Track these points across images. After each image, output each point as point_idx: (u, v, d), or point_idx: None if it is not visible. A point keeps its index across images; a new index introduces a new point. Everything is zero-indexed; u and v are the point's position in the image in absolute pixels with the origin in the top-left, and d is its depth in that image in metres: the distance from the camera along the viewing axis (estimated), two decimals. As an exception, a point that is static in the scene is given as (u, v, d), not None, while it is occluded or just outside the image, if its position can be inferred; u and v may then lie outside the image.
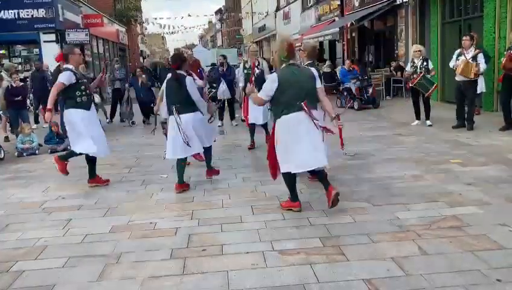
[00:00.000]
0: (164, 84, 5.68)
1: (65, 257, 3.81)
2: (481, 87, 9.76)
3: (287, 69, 4.48)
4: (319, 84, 4.65)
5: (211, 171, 6.10)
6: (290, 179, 4.65)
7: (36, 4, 18.91)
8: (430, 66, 9.23)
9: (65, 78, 5.64)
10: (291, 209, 4.64)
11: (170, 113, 5.57)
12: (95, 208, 5.17)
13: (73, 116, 5.77)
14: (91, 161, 6.07)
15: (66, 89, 5.70)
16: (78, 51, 6.10)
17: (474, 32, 10.03)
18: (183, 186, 5.67)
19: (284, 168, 4.58)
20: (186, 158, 5.78)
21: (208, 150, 5.97)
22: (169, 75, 5.65)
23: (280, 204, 4.82)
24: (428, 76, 9.08)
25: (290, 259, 3.56)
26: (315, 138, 4.48)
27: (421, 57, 9.20)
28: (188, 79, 5.57)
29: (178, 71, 5.58)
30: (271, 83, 4.47)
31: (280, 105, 4.48)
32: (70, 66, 5.77)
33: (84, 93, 5.80)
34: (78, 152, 5.88)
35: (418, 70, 9.11)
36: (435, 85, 9.16)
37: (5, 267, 3.68)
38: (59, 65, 11.23)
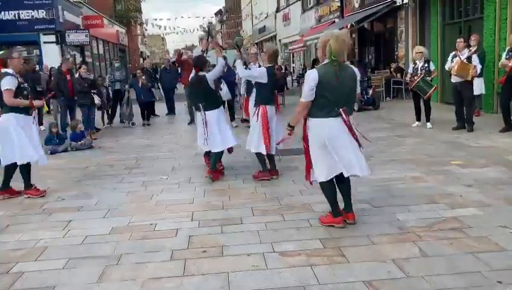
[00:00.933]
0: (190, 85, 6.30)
1: (65, 258, 3.81)
2: (480, 88, 9.78)
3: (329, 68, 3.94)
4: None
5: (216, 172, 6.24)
6: (329, 186, 4.19)
7: (36, 5, 18.93)
8: (432, 67, 9.24)
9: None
10: (332, 226, 4.18)
11: (198, 109, 6.15)
12: (95, 209, 5.17)
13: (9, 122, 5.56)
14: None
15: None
16: (18, 54, 5.80)
17: (475, 34, 10.05)
18: (215, 172, 6.16)
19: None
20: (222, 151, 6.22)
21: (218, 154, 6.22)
22: (192, 77, 6.20)
23: (319, 218, 4.36)
24: (428, 78, 9.09)
25: (290, 260, 3.56)
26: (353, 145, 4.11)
27: (422, 59, 9.21)
28: (207, 76, 5.98)
29: (200, 73, 6.03)
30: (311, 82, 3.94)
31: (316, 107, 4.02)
32: (10, 71, 5.57)
33: (26, 98, 5.66)
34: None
35: (419, 71, 9.11)
36: (433, 88, 9.16)
37: (5, 269, 3.68)
38: (60, 66, 11.28)
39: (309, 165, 4.29)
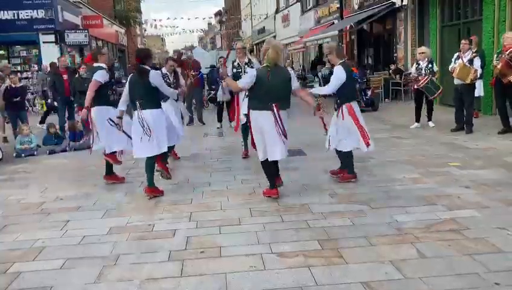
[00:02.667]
0: (128, 79, 5.66)
1: (63, 259, 3.81)
2: (479, 91, 9.79)
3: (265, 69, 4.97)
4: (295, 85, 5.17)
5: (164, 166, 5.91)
6: (268, 167, 5.16)
7: (35, 5, 18.91)
8: (435, 68, 9.30)
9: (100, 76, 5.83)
10: (270, 197, 5.08)
11: (134, 108, 5.42)
12: (94, 209, 5.16)
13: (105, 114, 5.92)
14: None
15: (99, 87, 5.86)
16: (106, 50, 6.34)
17: (474, 36, 10.07)
18: (154, 191, 5.47)
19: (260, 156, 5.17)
20: (155, 157, 5.51)
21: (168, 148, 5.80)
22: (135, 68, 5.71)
23: (262, 192, 5.24)
24: (434, 79, 9.15)
25: (288, 262, 3.56)
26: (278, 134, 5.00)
27: (426, 59, 9.24)
28: (153, 72, 5.44)
29: (142, 66, 5.44)
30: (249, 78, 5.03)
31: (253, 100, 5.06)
32: (103, 65, 5.99)
33: (115, 91, 6.09)
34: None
35: (423, 72, 9.15)
36: (440, 89, 9.21)
37: (2, 269, 3.67)
38: (57, 67, 11.26)
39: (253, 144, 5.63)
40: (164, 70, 7.23)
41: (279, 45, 5.18)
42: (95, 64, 6.06)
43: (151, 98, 5.42)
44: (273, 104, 4.88)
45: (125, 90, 5.56)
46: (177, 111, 7.07)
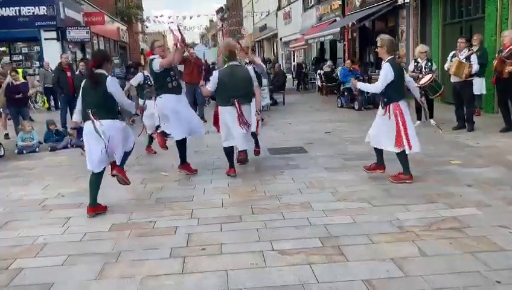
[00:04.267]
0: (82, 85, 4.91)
1: (64, 255, 3.81)
2: (481, 88, 9.77)
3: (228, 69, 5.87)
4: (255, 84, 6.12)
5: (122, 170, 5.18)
6: (228, 150, 6.13)
7: (37, 2, 18.91)
8: (434, 66, 9.29)
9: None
10: (229, 175, 5.98)
11: (85, 118, 4.76)
12: (95, 206, 5.15)
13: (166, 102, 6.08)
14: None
15: (157, 76, 6.09)
16: (159, 44, 6.38)
17: (477, 34, 10.06)
18: (96, 209, 4.86)
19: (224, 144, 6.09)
20: (102, 173, 5.00)
21: (126, 154, 5.25)
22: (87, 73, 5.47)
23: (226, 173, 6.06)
24: (437, 78, 9.19)
25: (289, 259, 3.56)
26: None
27: (425, 58, 9.24)
28: (110, 79, 4.78)
29: (97, 70, 4.78)
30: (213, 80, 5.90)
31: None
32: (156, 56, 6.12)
33: (174, 78, 6.14)
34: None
35: (423, 70, 9.14)
36: (442, 88, 9.19)
37: (4, 265, 3.68)
38: (60, 63, 11.28)
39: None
40: (146, 72, 7.44)
41: (230, 42, 6.08)
42: (151, 57, 6.22)
43: (107, 107, 4.74)
44: (235, 100, 5.72)
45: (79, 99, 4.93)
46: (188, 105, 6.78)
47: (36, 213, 5.01)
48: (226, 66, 5.88)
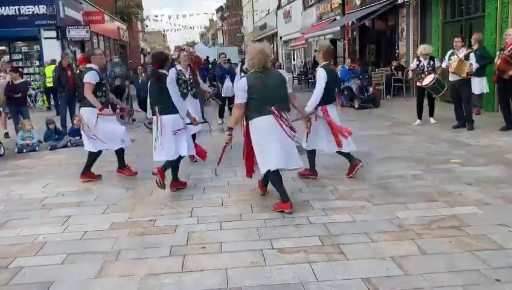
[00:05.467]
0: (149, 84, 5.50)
1: (64, 254, 3.82)
2: (481, 88, 9.77)
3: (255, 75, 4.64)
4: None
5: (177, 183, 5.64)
6: (275, 176, 4.71)
7: (37, 1, 18.87)
8: (437, 63, 9.31)
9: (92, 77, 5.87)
10: (283, 211, 4.54)
11: (153, 113, 5.35)
12: (95, 204, 5.17)
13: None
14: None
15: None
16: (100, 52, 6.34)
17: (475, 33, 10.07)
18: (177, 184, 5.61)
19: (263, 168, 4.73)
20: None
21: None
22: (151, 73, 5.64)
23: (273, 205, 4.72)
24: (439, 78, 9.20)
25: (289, 257, 3.56)
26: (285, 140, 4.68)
27: (427, 57, 9.26)
28: (169, 77, 5.34)
29: (160, 70, 5.35)
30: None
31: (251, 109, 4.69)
32: (94, 66, 6.00)
33: (104, 93, 6.04)
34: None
35: (425, 69, 9.15)
36: (446, 88, 9.21)
37: (4, 264, 3.68)
38: (60, 62, 11.27)
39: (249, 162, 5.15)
40: (179, 66, 6.97)
41: (265, 49, 4.72)
42: (87, 66, 6.05)
43: (170, 103, 5.29)
44: (273, 107, 4.56)
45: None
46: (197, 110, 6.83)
47: (36, 212, 5.01)
48: (253, 70, 4.68)
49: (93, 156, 6.22)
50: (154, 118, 5.34)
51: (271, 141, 4.58)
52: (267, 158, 4.60)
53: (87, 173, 6.23)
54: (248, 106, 4.66)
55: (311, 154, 5.78)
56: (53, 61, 15.03)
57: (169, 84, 5.28)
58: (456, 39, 8.91)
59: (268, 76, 4.62)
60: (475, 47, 9.72)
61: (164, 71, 5.40)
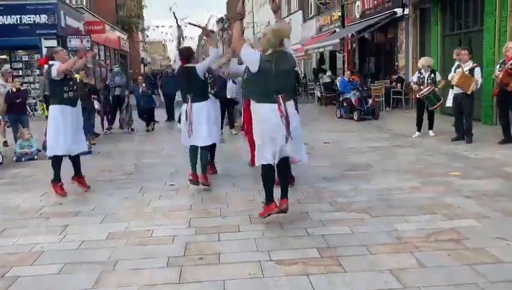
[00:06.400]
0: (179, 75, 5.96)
1: (61, 263, 3.79)
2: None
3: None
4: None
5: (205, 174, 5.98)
6: (268, 172, 4.48)
7: (38, 10, 18.99)
8: (438, 77, 9.36)
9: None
10: (270, 214, 4.45)
11: (185, 101, 5.85)
12: (93, 214, 5.15)
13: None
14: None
15: (53, 84, 5.84)
16: (60, 48, 6.27)
17: (460, 48, 10.28)
18: (194, 176, 5.90)
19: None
20: (197, 147, 5.93)
21: (206, 149, 6.01)
22: (178, 69, 5.95)
23: (259, 214, 4.63)
24: (437, 89, 9.25)
25: (287, 269, 3.54)
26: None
27: (428, 69, 9.32)
28: (197, 67, 5.78)
29: (187, 65, 5.81)
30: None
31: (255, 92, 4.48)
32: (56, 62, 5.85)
33: (71, 89, 5.90)
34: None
35: (426, 81, 9.21)
36: (441, 101, 9.27)
37: (0, 273, 3.65)
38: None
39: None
40: None
41: (281, 28, 4.34)
42: (50, 62, 5.92)
43: (201, 92, 5.86)
44: (279, 96, 4.22)
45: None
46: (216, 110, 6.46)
47: (33, 221, 4.99)
48: (269, 52, 4.27)
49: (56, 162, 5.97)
50: (185, 105, 5.85)
51: (270, 134, 4.32)
52: (263, 152, 4.42)
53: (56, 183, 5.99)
54: (253, 87, 4.53)
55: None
56: None
57: (199, 68, 5.74)
58: (462, 52, 8.87)
59: (280, 60, 4.24)
60: (457, 62, 9.92)
61: (190, 64, 5.81)
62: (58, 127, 5.78)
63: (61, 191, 5.92)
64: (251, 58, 4.32)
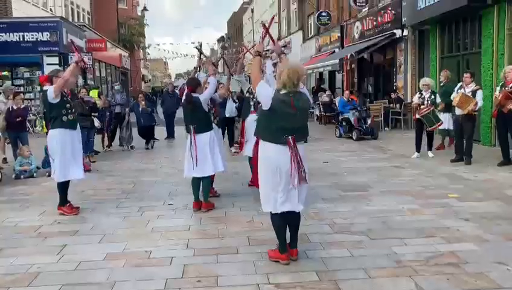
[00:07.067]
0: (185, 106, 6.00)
1: (58, 285, 3.76)
2: (445, 123, 9.81)
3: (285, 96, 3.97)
4: None
5: (207, 203, 6.01)
6: (278, 220, 4.12)
7: (41, 27, 19.16)
8: (438, 99, 9.41)
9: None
10: (278, 261, 4.11)
11: (188, 131, 5.94)
12: (91, 233, 5.13)
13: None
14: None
15: (52, 108, 5.82)
16: (62, 72, 6.16)
17: (444, 70, 10.55)
18: (198, 205, 5.95)
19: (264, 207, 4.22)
20: (199, 178, 5.94)
21: (208, 177, 6.01)
22: (184, 97, 5.99)
23: (267, 251, 4.30)
24: (436, 111, 9.31)
25: (285, 293, 3.52)
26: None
27: (429, 90, 9.38)
28: (200, 97, 5.87)
29: (193, 94, 5.88)
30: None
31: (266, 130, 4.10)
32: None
33: (70, 111, 5.91)
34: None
35: (426, 102, 9.27)
36: (439, 123, 9.31)
37: (-3, 294, 3.63)
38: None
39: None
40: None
41: (299, 66, 4.13)
42: (45, 87, 5.95)
43: (204, 122, 5.93)
44: (290, 137, 3.95)
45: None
46: (219, 139, 6.61)
47: (31, 240, 4.96)
48: (285, 91, 3.98)
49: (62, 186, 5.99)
50: (188, 136, 5.93)
51: (277, 180, 4.00)
52: (269, 198, 4.09)
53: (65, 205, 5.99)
54: (263, 126, 4.11)
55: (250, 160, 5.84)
56: None
57: (204, 100, 5.86)
58: (465, 75, 8.93)
59: (295, 101, 3.95)
60: (443, 82, 10.08)
61: (196, 94, 5.88)
62: (57, 152, 5.81)
63: (71, 210, 5.94)
64: (264, 95, 4.03)
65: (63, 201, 5.99)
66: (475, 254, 4.20)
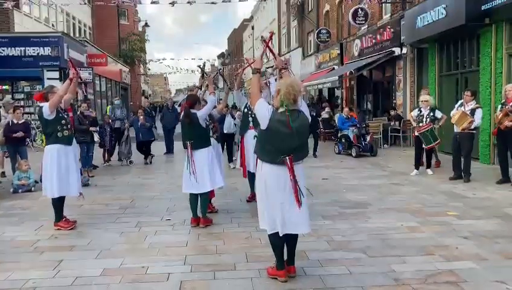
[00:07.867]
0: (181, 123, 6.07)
1: (53, 301, 3.73)
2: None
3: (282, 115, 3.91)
4: None
5: (205, 219, 6.00)
6: (275, 240, 4.07)
7: (43, 42, 19.30)
8: (439, 115, 9.45)
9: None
10: (276, 279, 4.08)
11: (185, 147, 5.95)
12: (88, 249, 5.10)
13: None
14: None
15: (47, 124, 5.83)
16: (57, 88, 6.13)
17: (425, 88, 10.72)
18: (197, 221, 5.95)
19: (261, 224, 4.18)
20: (197, 194, 5.96)
21: (207, 193, 6.02)
22: (183, 112, 5.98)
23: (266, 269, 4.27)
24: (436, 127, 9.41)
25: (283, 311, 3.48)
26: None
27: (428, 107, 9.41)
28: (198, 114, 5.88)
29: (191, 110, 5.89)
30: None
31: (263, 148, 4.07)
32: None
33: (66, 127, 5.91)
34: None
35: (424, 119, 9.30)
36: (437, 141, 9.33)
37: (-9, 309, 3.59)
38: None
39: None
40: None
41: (296, 85, 3.99)
42: (40, 104, 5.95)
43: (201, 138, 5.95)
44: (287, 157, 3.91)
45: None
46: (218, 155, 6.74)
47: (28, 255, 4.93)
48: (282, 110, 3.92)
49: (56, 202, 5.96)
50: (186, 152, 5.96)
51: (274, 201, 3.97)
52: (266, 218, 4.04)
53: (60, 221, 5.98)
54: (261, 145, 4.09)
55: (251, 176, 5.78)
56: None
57: (201, 117, 5.87)
58: (466, 93, 8.96)
59: (292, 121, 3.88)
60: (422, 101, 10.25)
61: (195, 110, 5.90)
62: (52, 168, 5.79)
63: (68, 224, 5.92)
64: (262, 116, 3.99)
65: (58, 217, 5.97)
66: (474, 273, 4.17)
